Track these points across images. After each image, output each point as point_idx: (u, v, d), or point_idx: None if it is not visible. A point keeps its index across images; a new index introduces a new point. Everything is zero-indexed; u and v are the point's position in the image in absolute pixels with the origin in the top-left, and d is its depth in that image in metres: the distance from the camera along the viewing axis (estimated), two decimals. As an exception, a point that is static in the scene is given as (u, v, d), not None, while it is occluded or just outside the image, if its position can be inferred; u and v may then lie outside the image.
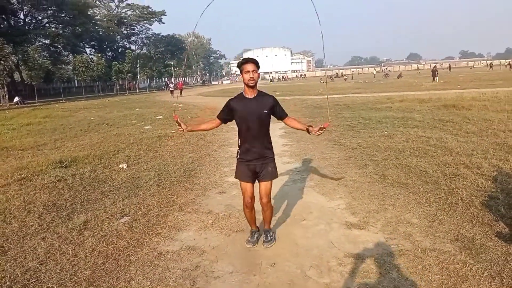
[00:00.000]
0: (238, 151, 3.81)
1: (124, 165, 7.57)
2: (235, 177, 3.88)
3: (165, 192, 5.78)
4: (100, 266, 3.56)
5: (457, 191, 4.97)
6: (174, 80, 55.55)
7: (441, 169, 5.99)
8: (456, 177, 5.56)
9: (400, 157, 6.95)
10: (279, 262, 3.53)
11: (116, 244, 4.01)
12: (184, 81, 70.51)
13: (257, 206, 3.87)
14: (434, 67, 41.43)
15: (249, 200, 3.79)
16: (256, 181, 3.81)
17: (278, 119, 3.81)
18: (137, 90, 66.69)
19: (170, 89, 42.44)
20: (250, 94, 3.65)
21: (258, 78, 3.63)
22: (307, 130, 3.65)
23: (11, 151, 9.80)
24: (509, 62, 67.63)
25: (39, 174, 6.94)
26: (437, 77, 36.92)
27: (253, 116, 3.61)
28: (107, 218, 4.78)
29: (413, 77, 51.35)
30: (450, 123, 10.24)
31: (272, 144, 3.86)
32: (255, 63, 3.58)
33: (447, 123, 10.28)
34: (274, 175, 3.79)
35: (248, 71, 3.53)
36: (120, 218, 4.75)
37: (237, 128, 3.77)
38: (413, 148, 7.56)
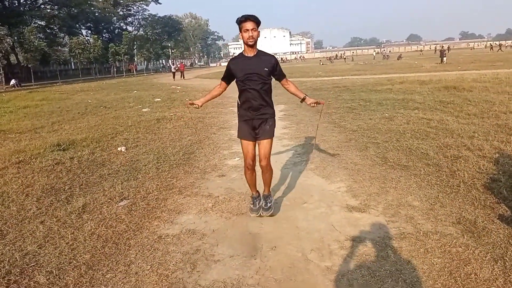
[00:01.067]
0: (238, 108, 3.85)
1: (123, 148, 7.50)
2: (237, 137, 3.93)
3: (164, 175, 5.73)
4: (99, 250, 3.52)
5: (458, 174, 4.93)
6: (176, 62, 54.94)
7: (443, 151, 5.95)
8: (458, 159, 5.52)
9: (401, 139, 6.90)
10: (280, 246, 3.50)
11: (115, 228, 3.98)
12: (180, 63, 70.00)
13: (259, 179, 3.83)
14: (442, 47, 40.25)
15: (251, 162, 3.84)
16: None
17: (276, 79, 3.80)
18: (135, 73, 66.10)
19: (172, 70, 41.52)
20: (250, 53, 3.62)
21: (258, 37, 3.57)
22: (303, 99, 3.72)
23: (9, 134, 9.72)
24: (499, 43, 67.62)
25: (37, 157, 6.88)
26: (445, 58, 35.56)
27: (253, 73, 3.58)
28: (106, 201, 4.74)
29: (413, 59, 50.98)
30: (451, 104, 10.17)
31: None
32: (255, 20, 3.48)
33: (448, 104, 10.20)
34: (271, 133, 3.80)
35: (247, 30, 3.46)
36: (119, 202, 4.71)
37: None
38: (414, 130, 7.50)
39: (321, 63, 57.22)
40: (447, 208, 4.03)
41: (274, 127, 3.84)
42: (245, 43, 3.53)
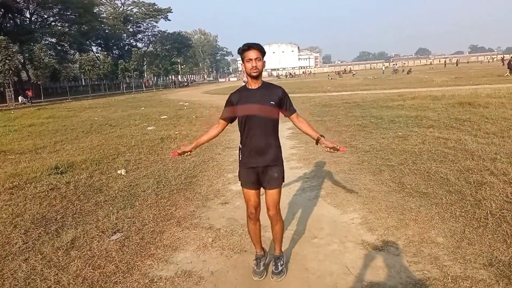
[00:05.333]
0: (239, 153, 3.27)
1: (123, 171, 7.14)
2: (239, 181, 3.34)
3: (163, 203, 5.33)
4: (82, 297, 3.12)
5: (485, 203, 4.46)
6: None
7: (464, 176, 5.47)
8: (482, 185, 5.04)
9: (417, 161, 6.44)
10: (287, 293, 3.06)
11: (103, 269, 3.57)
12: (188, 79, 68.55)
13: (264, 222, 3.40)
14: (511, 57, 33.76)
15: (253, 211, 3.24)
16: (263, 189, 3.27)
17: (285, 115, 3.23)
18: (144, 89, 66.45)
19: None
20: (254, 85, 3.13)
21: (263, 67, 3.09)
22: (317, 140, 3.14)
23: (9, 155, 9.44)
24: (502, 57, 65.18)
25: (32, 182, 6.53)
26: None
27: (257, 109, 3.06)
28: (97, 234, 4.34)
29: (423, 73, 50.41)
30: (467, 122, 9.67)
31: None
32: (259, 49, 3.03)
33: (464, 122, 9.71)
34: (280, 180, 3.22)
35: (251, 59, 3.00)
36: (112, 235, 4.32)
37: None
38: (431, 151, 7.03)
39: (330, 78, 56.91)
40: (476, 246, 3.56)
41: (283, 173, 3.28)
42: (248, 74, 3.07)
